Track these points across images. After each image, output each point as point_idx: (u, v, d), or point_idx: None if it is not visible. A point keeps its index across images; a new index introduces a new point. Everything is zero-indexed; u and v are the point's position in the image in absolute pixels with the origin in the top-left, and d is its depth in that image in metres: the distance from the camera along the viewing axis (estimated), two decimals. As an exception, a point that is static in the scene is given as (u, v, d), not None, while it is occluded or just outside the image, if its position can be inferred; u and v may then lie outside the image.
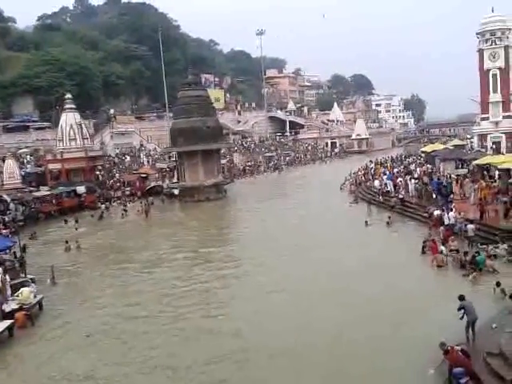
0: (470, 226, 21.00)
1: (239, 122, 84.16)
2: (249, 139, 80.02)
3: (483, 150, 44.70)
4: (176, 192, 43.67)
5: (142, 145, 62.84)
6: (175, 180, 46.65)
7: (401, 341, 12.61)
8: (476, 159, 33.18)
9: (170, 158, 55.76)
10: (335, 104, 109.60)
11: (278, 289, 17.10)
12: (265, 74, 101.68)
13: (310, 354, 12.18)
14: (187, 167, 42.79)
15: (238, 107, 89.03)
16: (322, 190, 41.95)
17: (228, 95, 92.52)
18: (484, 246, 19.45)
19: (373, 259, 19.90)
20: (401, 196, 30.69)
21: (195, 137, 41.59)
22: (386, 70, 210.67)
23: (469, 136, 61.65)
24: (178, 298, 17.07)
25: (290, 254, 21.61)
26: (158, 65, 68.31)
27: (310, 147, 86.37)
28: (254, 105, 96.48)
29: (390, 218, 27.14)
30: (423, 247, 20.47)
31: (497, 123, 46.82)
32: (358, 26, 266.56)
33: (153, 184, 47.10)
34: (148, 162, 56.09)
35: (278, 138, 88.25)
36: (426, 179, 31.30)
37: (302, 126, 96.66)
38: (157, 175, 49.64)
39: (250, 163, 66.25)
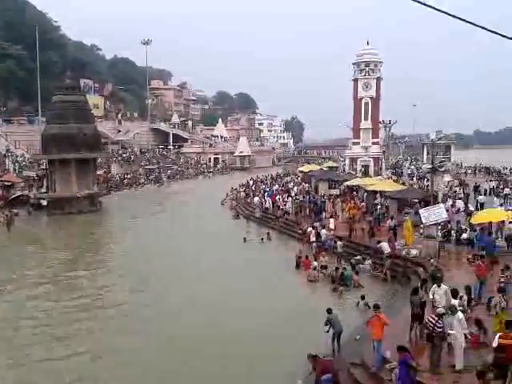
0: (340, 243, 22.27)
1: (119, 131, 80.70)
2: (129, 150, 77.19)
3: (353, 172, 48.12)
4: (44, 203, 40.20)
5: (8, 150, 57.19)
6: (44, 190, 43.03)
7: (271, 351, 12.85)
8: (347, 181, 35.61)
9: (39, 165, 51.40)
10: (220, 120, 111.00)
11: (133, 330, 14.87)
12: (149, 84, 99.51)
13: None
14: (59, 176, 39.75)
15: (119, 116, 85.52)
16: (203, 205, 41.85)
17: (108, 103, 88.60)
18: (358, 258, 20.68)
19: (248, 274, 20.19)
20: (284, 210, 31.76)
21: (70, 144, 38.95)
22: (269, 92, 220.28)
23: (341, 159, 66.00)
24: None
25: (160, 277, 20.16)
26: (33, 66, 63.18)
27: (192, 161, 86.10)
28: (136, 115, 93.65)
29: (268, 234, 27.80)
30: (297, 262, 21.22)
31: (366, 148, 50.76)
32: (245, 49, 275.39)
33: (18, 193, 42.86)
34: (15, 169, 51.14)
35: (160, 150, 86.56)
36: (301, 197, 32.83)
37: (186, 140, 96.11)
38: (23, 184, 45.33)
39: (129, 175, 63.83)
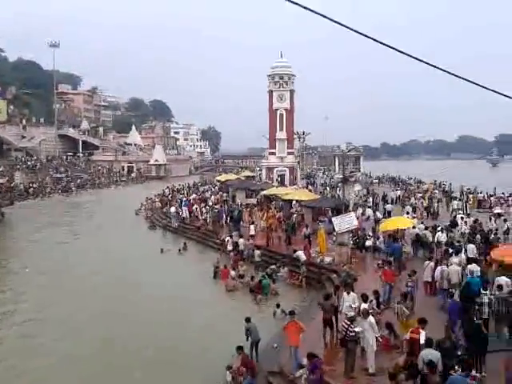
0: (257, 252, 22.48)
1: (24, 137, 75.42)
2: (34, 157, 72.47)
3: (270, 181, 49.00)
4: None
5: None
6: None
7: (193, 360, 12.89)
8: (264, 190, 36.15)
9: None
10: (133, 127, 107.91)
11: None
12: (57, 89, 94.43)
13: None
14: (-46, 185, 36.34)
15: (24, 121, 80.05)
16: (116, 216, 40.17)
17: (12, 107, 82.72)
18: (273, 267, 20.91)
19: (165, 285, 19.68)
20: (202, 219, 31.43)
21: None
22: (185, 99, 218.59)
23: (258, 168, 66.99)
24: None
25: (65, 293, 18.91)
26: None
27: (104, 170, 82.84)
28: (42, 120, 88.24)
29: (185, 244, 27.38)
30: (215, 272, 21.08)
31: (282, 158, 51.95)
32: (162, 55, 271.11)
33: None
34: None
35: (68, 158, 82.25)
36: (219, 207, 32.79)
37: (97, 148, 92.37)
38: None
39: (34, 184, 59.83)
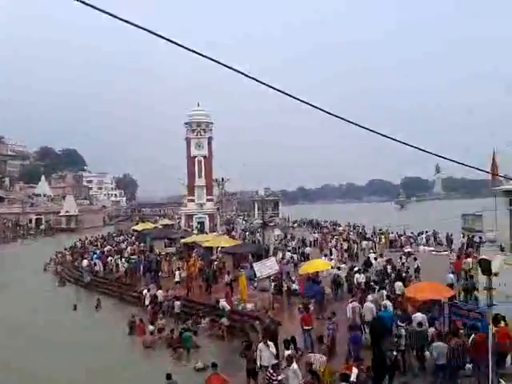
0: (177, 303, 21.61)
1: None
2: None
3: (190, 229, 48.31)
4: None
5: None
6: None
7: None
8: (183, 238, 35.42)
9: None
10: (43, 177, 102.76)
11: None
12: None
13: None
14: None
15: None
16: (23, 273, 37.01)
17: None
18: (190, 321, 20.13)
19: (78, 344, 18.27)
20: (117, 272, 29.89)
21: None
22: (99, 147, 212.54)
23: (177, 216, 65.99)
24: None
25: None
26: None
27: (10, 223, 77.18)
28: None
29: (98, 299, 25.79)
30: (131, 328, 19.92)
31: (201, 205, 51.80)
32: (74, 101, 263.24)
33: None
34: None
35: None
36: (135, 257, 31.47)
37: (2, 199, 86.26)
38: None
39: None
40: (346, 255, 31.06)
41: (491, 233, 15.57)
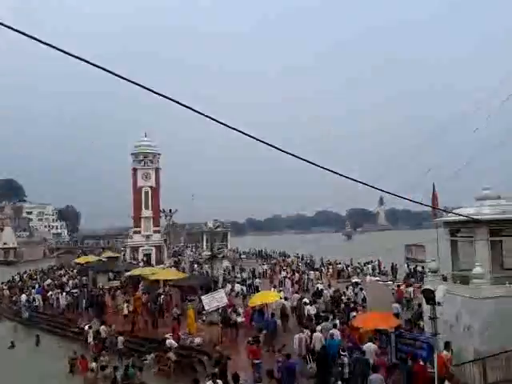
0: (120, 338, 20.69)
1: None
2: None
3: (135, 262, 46.92)
4: None
5: None
6: None
7: None
8: (128, 271, 34.27)
9: None
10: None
11: None
12: None
13: None
14: None
15: None
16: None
17: None
18: (134, 357, 19.26)
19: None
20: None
21: None
22: (40, 176, 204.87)
23: (122, 248, 64.15)
24: None
25: None
26: None
27: None
28: None
29: (38, 336, 24.36)
30: (71, 365, 18.83)
31: (148, 237, 50.59)
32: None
33: None
34: None
35: None
36: (77, 291, 30.10)
37: None
38: None
39: None
40: (296, 286, 31.10)
41: (433, 263, 16.05)
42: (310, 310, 20.28)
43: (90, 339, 21.61)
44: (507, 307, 12.46)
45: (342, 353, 13.19)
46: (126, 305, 24.74)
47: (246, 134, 6.26)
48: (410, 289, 25.04)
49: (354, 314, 18.59)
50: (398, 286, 26.03)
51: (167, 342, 19.10)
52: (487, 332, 12.05)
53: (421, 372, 11.33)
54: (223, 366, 14.29)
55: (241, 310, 22.36)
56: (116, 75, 4.88)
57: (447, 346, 12.13)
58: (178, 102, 5.38)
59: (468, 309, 13.01)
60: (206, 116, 5.66)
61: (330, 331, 15.58)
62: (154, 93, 5.25)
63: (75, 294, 29.50)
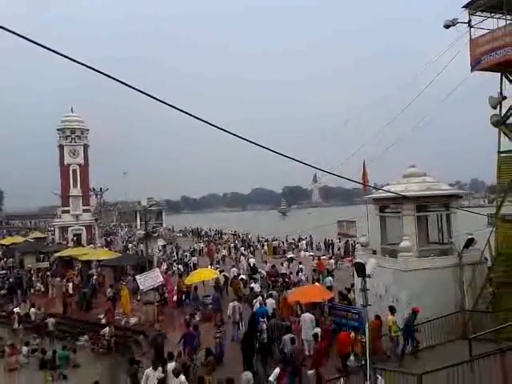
0: (51, 320, 19.99)
1: None
2: None
3: (65, 242, 45.21)
4: None
5: None
6: None
7: None
8: (58, 251, 32.93)
9: None
10: None
11: None
12: None
13: None
14: None
15: None
16: None
17: None
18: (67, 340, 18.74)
19: None
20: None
21: None
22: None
23: (50, 228, 61.56)
24: None
25: None
26: None
27: None
28: None
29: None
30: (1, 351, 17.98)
31: (77, 216, 48.74)
32: None
33: None
34: None
35: None
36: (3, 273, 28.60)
37: None
38: None
39: None
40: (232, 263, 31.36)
41: (364, 237, 16.72)
42: (255, 287, 20.38)
43: (16, 325, 20.66)
44: (432, 279, 13.27)
45: (261, 319, 14.21)
46: (60, 285, 23.88)
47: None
48: (331, 261, 26.99)
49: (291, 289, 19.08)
50: (319, 258, 27.35)
51: (103, 330, 18.55)
52: (414, 303, 12.76)
53: (343, 338, 12.28)
54: (160, 344, 14.25)
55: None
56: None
57: (392, 310, 12.59)
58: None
59: (396, 281, 13.72)
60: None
61: (266, 300, 16.63)
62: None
63: (1, 276, 28.01)
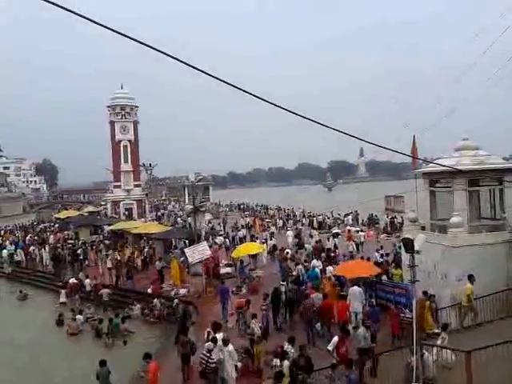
0: (106, 291, 20.98)
1: None
2: None
3: (116, 216, 46.81)
4: None
5: None
6: None
7: None
8: (110, 225, 34.27)
9: None
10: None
11: None
12: None
13: None
14: None
15: None
16: None
17: None
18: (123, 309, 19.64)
19: (7, 337, 17.61)
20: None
21: None
22: (16, 132, 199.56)
23: (103, 203, 63.80)
24: None
25: None
26: None
27: None
28: None
29: (21, 292, 24.46)
30: (60, 320, 19.10)
31: (128, 191, 50.24)
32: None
33: None
34: None
35: None
36: (60, 246, 30.09)
37: None
38: None
39: None
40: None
41: (412, 213, 16.35)
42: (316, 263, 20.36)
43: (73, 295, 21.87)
44: (483, 255, 12.87)
45: (281, 283, 16.04)
46: (109, 258, 24.84)
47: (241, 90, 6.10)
48: (361, 233, 27.62)
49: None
50: (349, 230, 27.52)
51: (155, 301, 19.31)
52: (463, 280, 12.46)
53: (393, 316, 12.66)
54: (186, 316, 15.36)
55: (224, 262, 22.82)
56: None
57: (470, 278, 12.35)
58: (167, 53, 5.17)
59: (446, 257, 13.41)
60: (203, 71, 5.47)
61: (313, 262, 18.80)
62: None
63: (58, 248, 29.51)
